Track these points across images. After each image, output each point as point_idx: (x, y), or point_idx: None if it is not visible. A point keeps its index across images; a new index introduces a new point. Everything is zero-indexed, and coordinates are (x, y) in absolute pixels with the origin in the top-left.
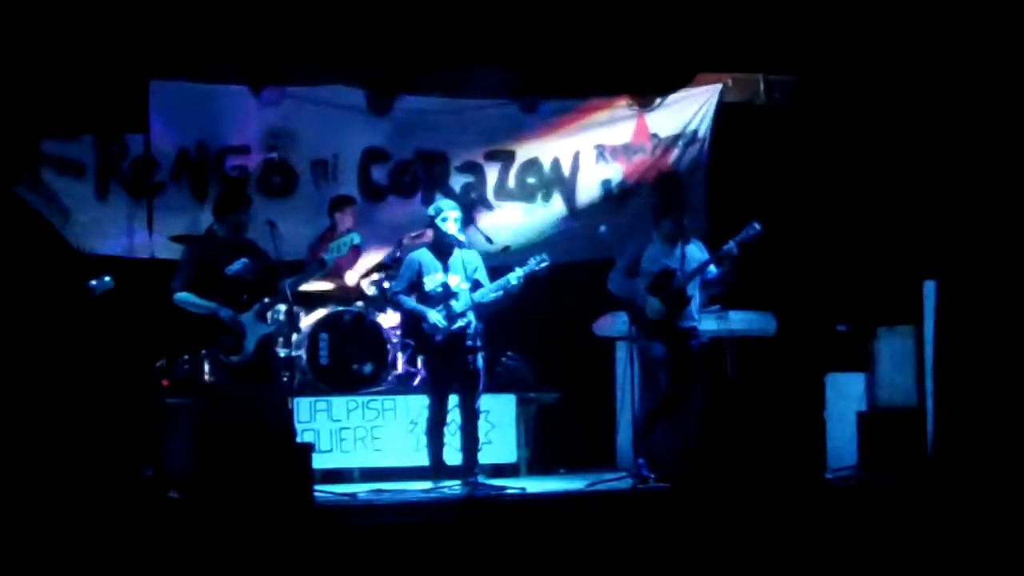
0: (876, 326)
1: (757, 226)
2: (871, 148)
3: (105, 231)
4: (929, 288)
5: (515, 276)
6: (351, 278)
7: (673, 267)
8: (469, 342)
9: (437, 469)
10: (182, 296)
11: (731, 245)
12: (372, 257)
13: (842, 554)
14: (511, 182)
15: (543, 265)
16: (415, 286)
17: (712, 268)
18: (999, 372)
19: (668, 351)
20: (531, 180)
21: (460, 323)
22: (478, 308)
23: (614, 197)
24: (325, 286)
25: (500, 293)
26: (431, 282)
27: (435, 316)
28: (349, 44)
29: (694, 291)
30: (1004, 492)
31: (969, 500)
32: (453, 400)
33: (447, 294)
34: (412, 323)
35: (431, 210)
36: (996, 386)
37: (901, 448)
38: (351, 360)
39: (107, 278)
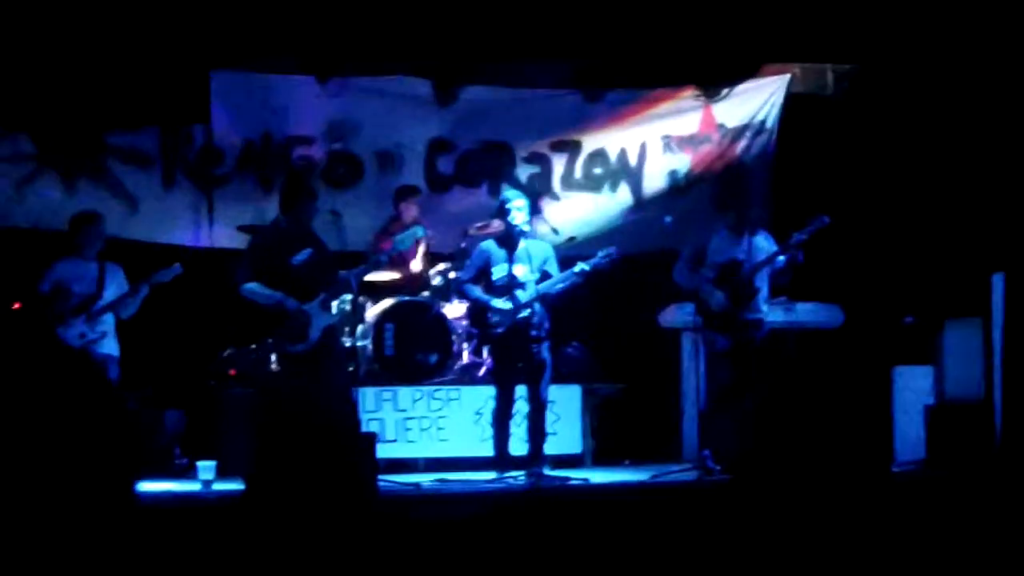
0: (943, 318)
1: (826, 220)
2: (939, 138)
3: (172, 221)
4: (997, 280)
5: (581, 268)
6: (416, 268)
7: (740, 258)
8: (534, 332)
9: (502, 459)
10: (248, 286)
11: (799, 238)
12: (438, 248)
13: (908, 548)
14: (577, 172)
15: (610, 259)
16: (482, 276)
17: (780, 259)
18: None
19: (732, 343)
20: (598, 170)
21: (525, 313)
22: (544, 299)
23: (680, 188)
24: (391, 276)
25: (565, 284)
26: (498, 272)
27: (499, 303)
28: (414, 34)
29: (761, 283)
30: None
31: None
32: (519, 391)
33: (513, 284)
34: (477, 312)
35: (498, 201)
36: None
37: (968, 442)
38: (416, 350)
39: (175, 266)
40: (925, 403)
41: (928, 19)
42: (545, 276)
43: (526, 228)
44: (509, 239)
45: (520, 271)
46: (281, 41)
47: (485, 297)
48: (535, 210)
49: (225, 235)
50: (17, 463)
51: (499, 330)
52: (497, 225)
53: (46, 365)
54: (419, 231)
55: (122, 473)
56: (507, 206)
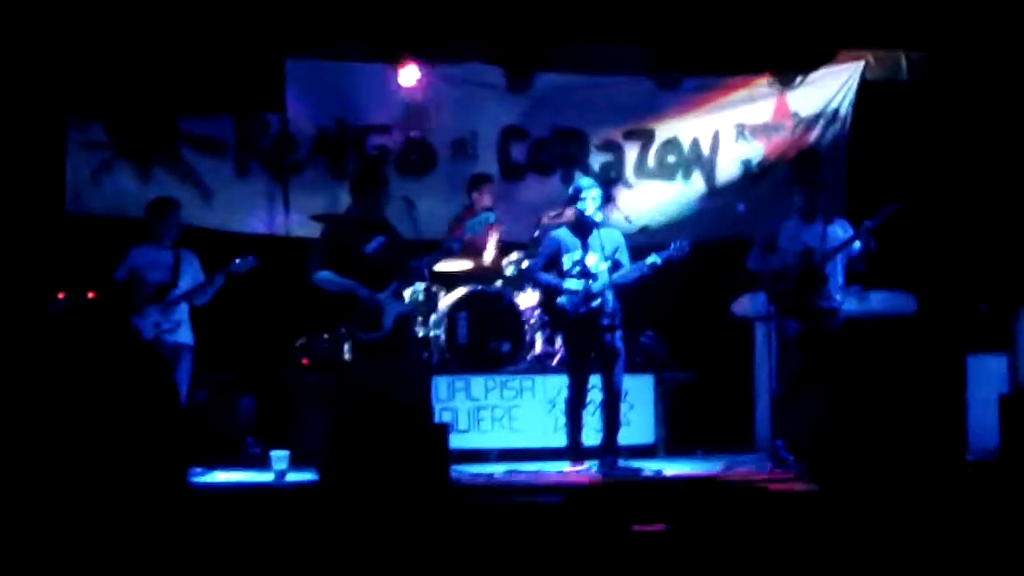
0: (1017, 305)
1: (896, 206)
2: (1013, 123)
3: (246, 209)
4: None
5: (652, 260)
6: (489, 256)
7: (812, 245)
8: (607, 320)
9: (575, 450)
10: (321, 275)
11: (869, 225)
12: (510, 235)
13: (983, 537)
14: (650, 161)
15: (682, 251)
16: (553, 264)
17: (856, 246)
18: None
19: (805, 330)
20: (671, 159)
21: (597, 302)
22: (616, 288)
23: (753, 176)
24: (464, 265)
25: (638, 276)
26: (570, 261)
27: (572, 283)
28: (487, 21)
29: (834, 271)
30: None
31: None
32: (592, 380)
33: (585, 273)
34: (549, 298)
35: (571, 189)
36: None
37: None
38: (489, 339)
39: (250, 257)
40: (999, 391)
41: (1002, 5)
42: (616, 265)
43: (598, 217)
44: (581, 227)
45: (592, 260)
46: (356, 27)
47: (556, 280)
48: (608, 198)
49: (298, 224)
50: (70, 453)
51: (570, 312)
52: (570, 213)
53: (115, 356)
54: (490, 217)
55: (173, 466)
56: (580, 194)
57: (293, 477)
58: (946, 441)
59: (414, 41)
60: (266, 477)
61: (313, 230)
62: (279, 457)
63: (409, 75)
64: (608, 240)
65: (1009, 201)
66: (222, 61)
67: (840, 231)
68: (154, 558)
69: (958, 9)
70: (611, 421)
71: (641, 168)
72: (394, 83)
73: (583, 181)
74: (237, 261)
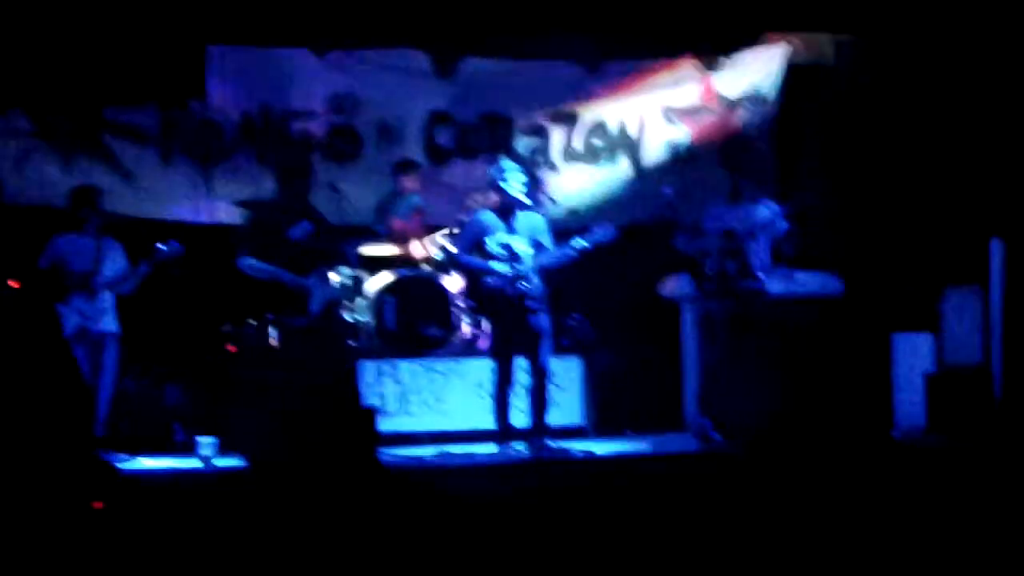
0: (943, 285)
1: (814, 193)
2: (938, 105)
3: (170, 197)
4: (996, 246)
5: (578, 244)
6: (416, 241)
7: (736, 227)
8: (531, 302)
9: (504, 432)
10: (247, 261)
11: (787, 208)
12: (436, 220)
13: (909, 513)
14: (577, 144)
15: (607, 235)
16: (478, 248)
17: (782, 225)
18: None
19: (730, 311)
20: (597, 142)
21: (523, 284)
22: (542, 271)
23: (680, 158)
24: (391, 249)
25: (564, 258)
26: (493, 244)
27: (499, 266)
28: (413, 6)
29: (759, 252)
30: None
31: None
32: (520, 362)
33: (510, 256)
34: (475, 283)
35: (494, 172)
36: None
37: (968, 408)
38: (417, 323)
39: (175, 244)
40: (925, 370)
41: None
42: (538, 247)
43: (524, 199)
44: (506, 211)
45: (516, 243)
46: (280, 14)
47: (483, 262)
48: (534, 182)
49: (224, 210)
50: None
51: (496, 295)
52: (495, 197)
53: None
54: (416, 201)
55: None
56: (503, 177)
57: (220, 463)
58: (873, 419)
59: (340, 27)
60: (193, 464)
61: (238, 217)
62: (206, 444)
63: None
64: (532, 223)
65: (934, 182)
66: (147, 49)
67: (766, 212)
68: (71, 542)
69: None
70: (539, 402)
71: (568, 152)
72: (319, 69)
73: (506, 164)
74: (162, 249)
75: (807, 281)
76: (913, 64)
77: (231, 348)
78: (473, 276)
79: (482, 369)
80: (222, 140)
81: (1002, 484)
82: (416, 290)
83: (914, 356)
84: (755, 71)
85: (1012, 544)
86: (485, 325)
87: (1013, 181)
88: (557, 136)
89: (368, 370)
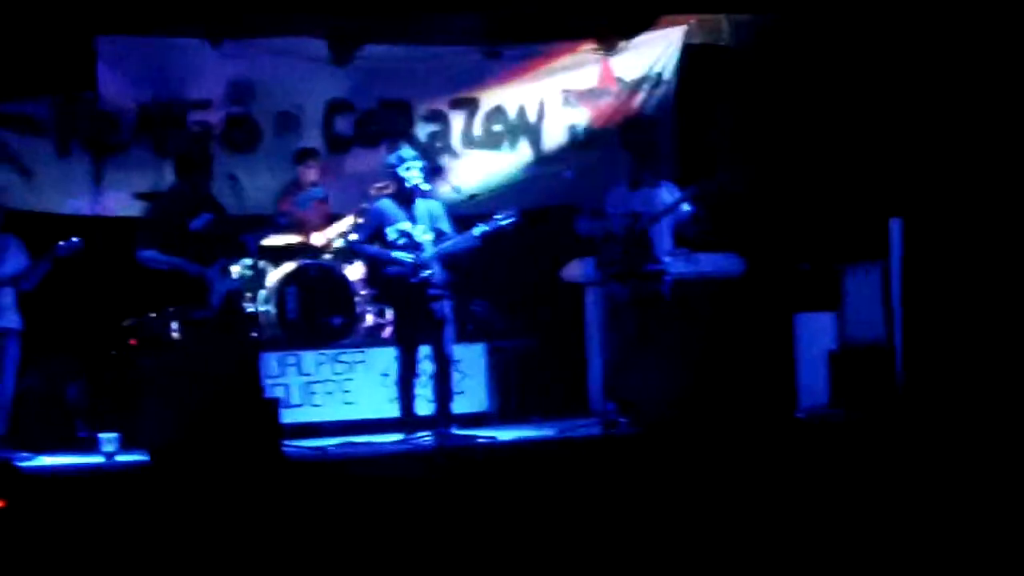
0: (843, 264)
1: (715, 183)
2: (835, 86)
3: (69, 190)
4: (895, 224)
5: (479, 230)
6: (317, 231)
7: (638, 210)
8: (434, 290)
9: (409, 420)
10: (147, 253)
11: (693, 189)
12: (338, 208)
13: (814, 490)
14: (477, 129)
15: (509, 220)
16: (378, 236)
17: (684, 208)
18: (965, 307)
19: (634, 294)
20: (497, 127)
21: (424, 272)
22: (442, 258)
23: (580, 142)
24: (292, 239)
25: (464, 245)
26: (394, 232)
27: (399, 254)
28: None
29: (660, 234)
30: (973, 426)
31: (938, 434)
32: (423, 351)
33: (410, 244)
34: (376, 271)
35: (392, 159)
36: (963, 321)
37: (871, 385)
38: (319, 313)
39: (75, 239)
40: (827, 348)
41: None
42: (439, 234)
43: (423, 186)
44: (405, 198)
45: (416, 230)
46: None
47: (382, 251)
48: (435, 168)
49: (120, 203)
50: None
51: (398, 283)
52: (396, 185)
53: None
54: (318, 192)
55: None
56: (402, 165)
57: (123, 459)
58: (777, 396)
59: (235, 14)
60: (95, 459)
61: (138, 209)
62: (108, 439)
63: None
64: (432, 210)
65: (834, 161)
66: (39, 39)
67: (667, 195)
68: None
69: None
70: (443, 390)
71: (468, 137)
72: (215, 58)
73: (404, 151)
74: (61, 244)
75: (709, 262)
76: (811, 43)
77: (132, 342)
78: (374, 265)
79: (386, 358)
80: (119, 132)
81: (904, 459)
82: (318, 280)
83: (816, 335)
84: (652, 53)
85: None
86: (388, 314)
87: (911, 159)
88: (457, 122)
89: (271, 361)
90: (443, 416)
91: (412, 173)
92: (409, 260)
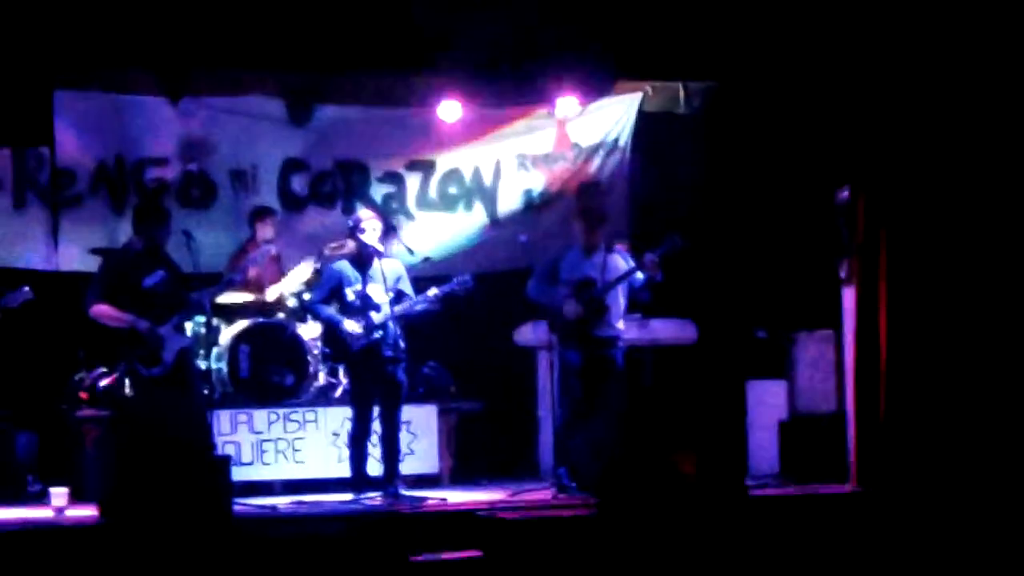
0: (795, 332)
1: (678, 240)
2: (788, 153)
3: (23, 243)
4: (847, 293)
5: (435, 294)
6: (271, 290)
7: (593, 276)
8: (389, 352)
9: (359, 480)
10: (98, 308)
11: (651, 257)
12: (293, 268)
13: (764, 564)
14: (432, 192)
15: (464, 285)
16: (335, 297)
17: (639, 276)
18: (920, 375)
19: (585, 360)
20: (452, 190)
21: (378, 334)
22: (398, 319)
23: (535, 206)
24: (245, 298)
25: (421, 307)
26: (351, 293)
27: (350, 325)
28: (267, 54)
29: (614, 300)
30: (929, 497)
31: (893, 505)
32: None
33: (367, 305)
34: (330, 332)
35: (350, 221)
36: (917, 389)
37: (822, 454)
38: (272, 372)
39: (25, 289)
40: (778, 417)
41: (782, 37)
42: (399, 295)
43: (379, 248)
44: (362, 259)
45: (374, 291)
46: (134, 59)
47: (337, 317)
48: (390, 230)
49: (75, 257)
50: None
51: (353, 349)
52: (351, 245)
53: None
54: (270, 248)
55: None
56: (360, 226)
57: (73, 514)
58: (727, 466)
59: (193, 74)
60: (45, 514)
61: (91, 264)
62: (58, 494)
63: (450, 112)
64: (389, 271)
65: (786, 230)
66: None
67: (621, 261)
68: None
69: (737, 42)
70: (391, 451)
71: (423, 199)
72: (172, 116)
73: (363, 212)
74: (10, 294)
75: (662, 329)
76: (766, 108)
77: (83, 396)
78: (326, 324)
79: (338, 417)
80: (75, 186)
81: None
82: (271, 338)
83: (767, 403)
84: (608, 119)
85: None
86: (341, 373)
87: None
88: (412, 183)
89: (223, 419)
90: (391, 476)
91: (370, 234)
92: (357, 332)
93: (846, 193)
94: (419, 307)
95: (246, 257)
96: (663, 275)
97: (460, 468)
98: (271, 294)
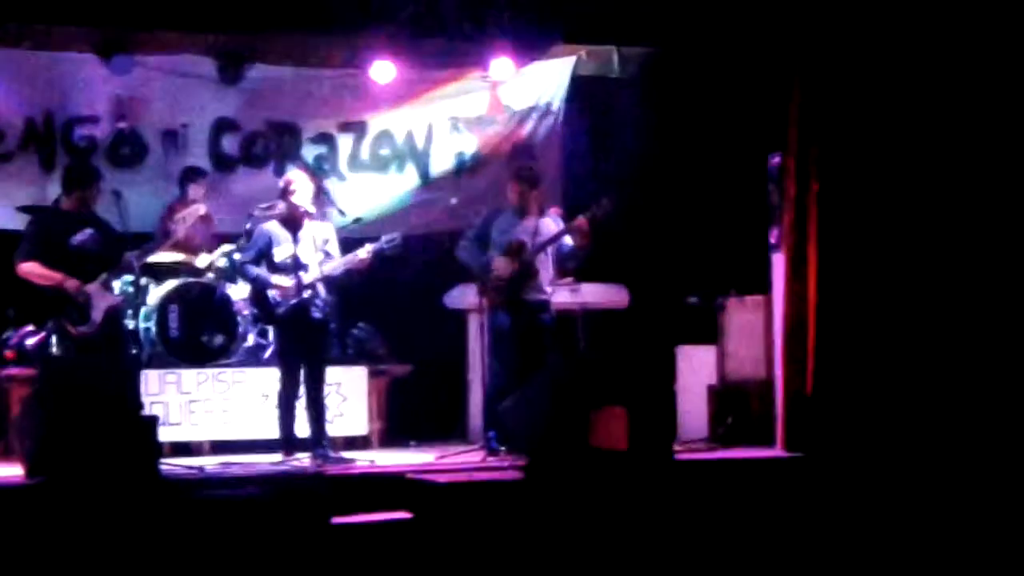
0: (725, 297)
1: (608, 202)
2: (721, 117)
3: None
4: (777, 259)
5: (364, 252)
6: (201, 250)
7: (524, 239)
8: (317, 313)
9: (288, 442)
10: (27, 267)
11: (580, 219)
12: (223, 229)
13: (691, 527)
14: (364, 153)
15: (393, 244)
16: (264, 258)
17: (567, 241)
18: (848, 342)
19: (515, 323)
20: (384, 151)
21: (307, 294)
22: (327, 280)
23: (467, 169)
24: (175, 257)
25: (348, 267)
26: (280, 253)
27: (279, 279)
28: (198, 12)
29: (543, 265)
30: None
31: (818, 471)
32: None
33: (297, 266)
34: (259, 293)
35: (281, 181)
36: (845, 356)
37: (750, 420)
38: (201, 332)
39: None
40: (708, 382)
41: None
42: (328, 257)
43: (310, 209)
44: (292, 220)
45: (304, 252)
46: (66, 14)
47: (264, 276)
48: (321, 191)
49: (4, 216)
50: None
51: (281, 309)
52: (282, 206)
53: None
54: (200, 208)
55: None
56: (290, 187)
57: None
58: (656, 430)
59: (125, 31)
60: None
61: (20, 222)
62: None
63: (383, 72)
64: (319, 233)
65: (718, 192)
66: None
67: (553, 225)
68: None
69: (674, 6)
70: (318, 412)
71: (355, 160)
72: (104, 74)
73: (293, 173)
74: None
75: (593, 293)
76: (699, 74)
77: (9, 355)
78: (255, 284)
79: (267, 378)
80: (4, 144)
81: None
82: (200, 299)
83: (697, 369)
84: (541, 83)
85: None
86: (270, 334)
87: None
88: (344, 144)
89: (151, 379)
90: (319, 438)
91: (300, 195)
92: (288, 287)
93: (777, 159)
94: (348, 266)
95: (174, 217)
96: (592, 238)
97: (390, 430)
98: (200, 259)
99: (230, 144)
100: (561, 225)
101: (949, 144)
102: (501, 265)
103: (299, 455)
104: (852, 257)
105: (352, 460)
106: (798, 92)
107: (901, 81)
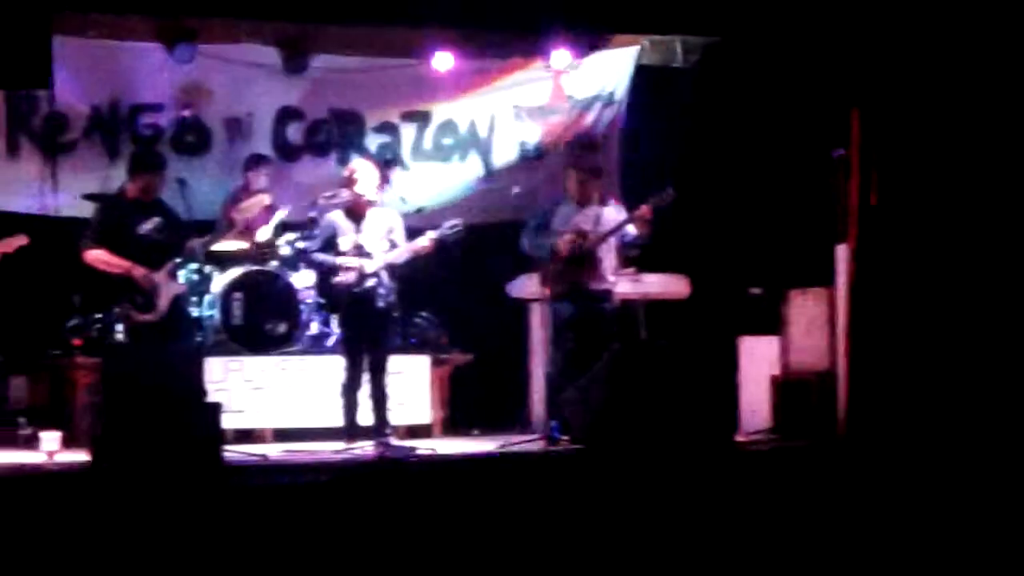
0: (788, 289)
1: (671, 190)
2: (785, 109)
3: (16, 188)
4: (841, 251)
5: (426, 239)
6: (264, 238)
7: (585, 228)
8: (381, 302)
9: (350, 430)
10: (93, 254)
11: (644, 208)
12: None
13: (753, 517)
14: (427, 143)
15: (456, 231)
16: (329, 247)
17: (629, 230)
18: (912, 336)
19: (578, 313)
20: (447, 141)
21: (371, 282)
22: (391, 268)
23: (530, 158)
24: (239, 245)
25: (411, 255)
26: (345, 243)
27: (347, 261)
28: (261, 2)
29: (607, 254)
30: (914, 456)
31: (880, 464)
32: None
33: (361, 254)
34: (324, 280)
35: (345, 170)
36: (909, 349)
37: (812, 411)
38: (265, 320)
39: (20, 237)
40: (770, 374)
41: None
42: (392, 246)
43: (374, 198)
44: (356, 209)
45: (367, 241)
46: (127, 6)
47: (332, 260)
48: (385, 180)
49: (70, 203)
50: None
51: (345, 292)
52: (346, 195)
53: None
54: (264, 199)
55: None
56: (354, 176)
57: (64, 458)
58: (718, 421)
59: (189, 20)
60: (37, 458)
61: (85, 210)
62: (49, 438)
63: (443, 62)
64: (383, 221)
65: (782, 187)
66: None
67: (614, 214)
68: None
69: None
70: (380, 400)
71: (418, 150)
72: (168, 63)
73: (357, 162)
74: (4, 241)
75: (655, 283)
76: (763, 66)
77: (76, 342)
78: (323, 274)
79: (330, 366)
80: (70, 132)
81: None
82: (264, 286)
83: (759, 359)
84: (604, 72)
85: (852, 545)
86: (333, 322)
87: (858, 185)
88: (408, 134)
89: (215, 367)
90: (382, 426)
91: (365, 184)
92: (357, 270)
93: (841, 152)
94: (410, 254)
95: (239, 205)
96: (654, 227)
97: (452, 419)
98: (262, 234)
99: (294, 132)
100: (624, 214)
101: (1011, 136)
102: (564, 244)
103: (361, 443)
104: (915, 250)
105: (414, 448)
106: (861, 85)
107: (964, 77)
